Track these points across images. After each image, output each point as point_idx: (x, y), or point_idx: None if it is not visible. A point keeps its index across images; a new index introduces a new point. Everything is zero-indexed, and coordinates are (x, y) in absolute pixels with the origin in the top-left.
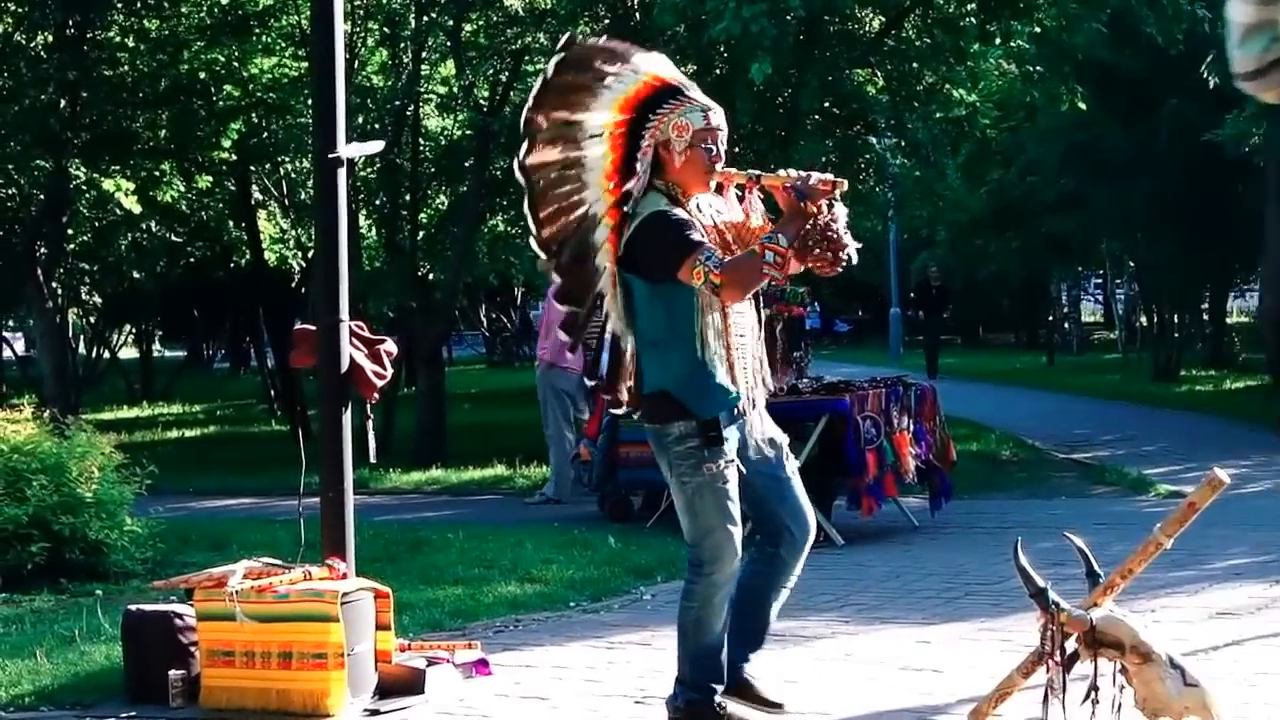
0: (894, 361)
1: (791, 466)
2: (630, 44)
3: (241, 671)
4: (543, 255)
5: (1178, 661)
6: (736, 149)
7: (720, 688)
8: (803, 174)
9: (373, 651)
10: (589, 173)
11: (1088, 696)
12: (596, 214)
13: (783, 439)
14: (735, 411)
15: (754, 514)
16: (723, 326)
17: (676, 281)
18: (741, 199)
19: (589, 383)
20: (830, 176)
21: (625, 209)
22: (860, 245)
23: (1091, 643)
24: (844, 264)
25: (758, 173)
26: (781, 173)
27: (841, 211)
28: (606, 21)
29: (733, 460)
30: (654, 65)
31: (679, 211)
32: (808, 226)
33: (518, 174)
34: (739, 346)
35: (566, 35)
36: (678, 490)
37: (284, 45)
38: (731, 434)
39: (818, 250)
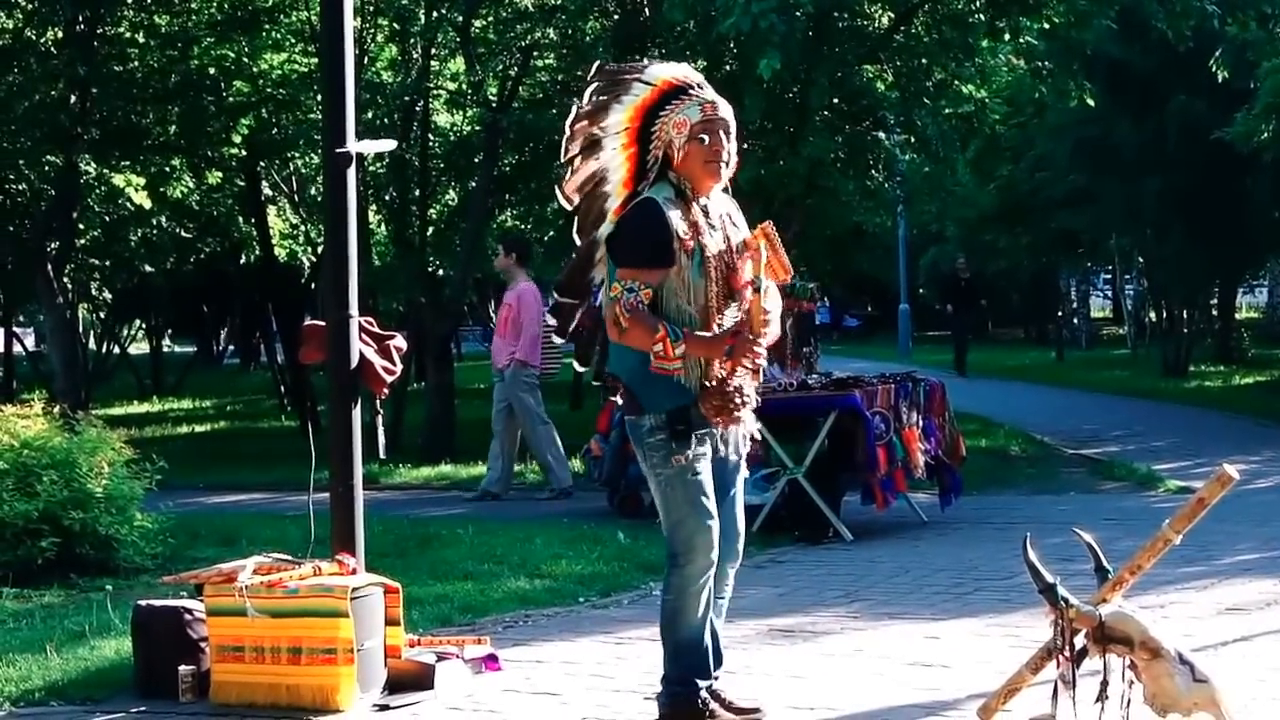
0: (903, 357)
1: (741, 480)
2: (648, 60)
3: (251, 666)
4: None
5: (1187, 657)
6: (745, 144)
7: (704, 682)
8: (754, 345)
9: (382, 647)
10: (610, 183)
11: (1100, 694)
12: (606, 214)
13: (744, 449)
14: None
15: None
16: (702, 324)
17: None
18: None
19: (579, 369)
20: (762, 363)
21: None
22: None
23: (1100, 638)
24: (728, 425)
25: (763, 286)
26: (768, 307)
27: (750, 417)
28: (616, 17)
29: (705, 453)
30: (665, 71)
31: (674, 214)
32: (725, 383)
33: (562, 200)
34: None
35: (596, 63)
36: (653, 482)
37: (294, 41)
38: (702, 430)
39: (713, 410)
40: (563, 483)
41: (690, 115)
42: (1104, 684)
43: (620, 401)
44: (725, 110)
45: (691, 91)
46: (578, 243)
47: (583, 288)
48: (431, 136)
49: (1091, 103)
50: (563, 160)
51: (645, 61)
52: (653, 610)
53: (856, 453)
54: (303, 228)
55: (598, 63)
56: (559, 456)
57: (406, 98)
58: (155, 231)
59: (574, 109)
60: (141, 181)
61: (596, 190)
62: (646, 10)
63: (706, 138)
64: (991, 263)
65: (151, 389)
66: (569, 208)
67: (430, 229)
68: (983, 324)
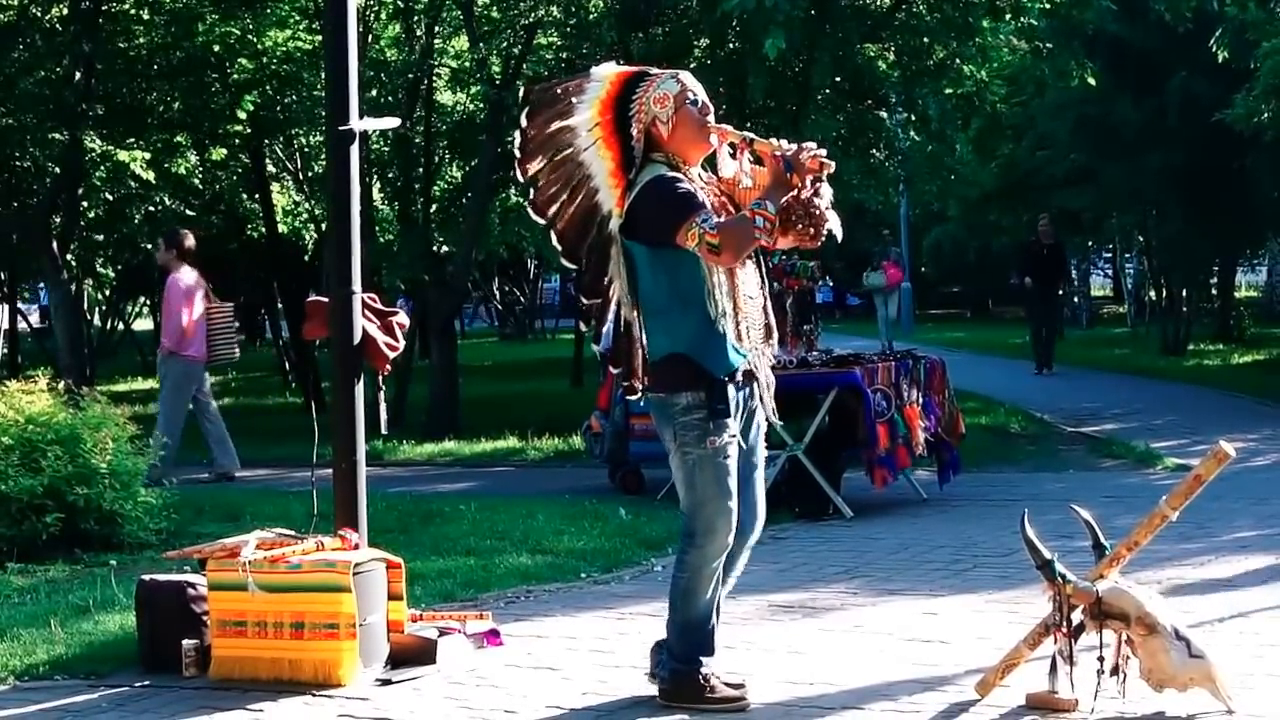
0: (904, 335)
1: (762, 455)
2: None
3: (253, 641)
4: (569, 263)
5: (1183, 633)
6: (748, 124)
7: (707, 660)
8: (793, 146)
9: (385, 622)
10: (595, 178)
11: (1106, 672)
12: (610, 210)
13: (764, 424)
14: (741, 378)
15: None
16: (729, 286)
17: (675, 246)
18: (733, 159)
19: (597, 349)
20: (822, 153)
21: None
22: (841, 224)
23: (1097, 614)
24: (824, 239)
25: (751, 136)
26: (774, 141)
27: (827, 190)
28: None
29: (735, 435)
30: (611, 68)
31: (678, 176)
32: (794, 200)
33: (533, 215)
34: (746, 305)
35: (524, 89)
36: (678, 461)
37: (297, 18)
38: (737, 405)
39: (800, 225)
40: (164, 474)
41: (669, 89)
42: (1101, 659)
43: (643, 383)
44: (692, 78)
45: (653, 72)
46: (558, 244)
47: (605, 290)
48: (435, 114)
49: (1093, 82)
50: (525, 179)
51: (576, 75)
52: (654, 586)
53: (857, 430)
54: (306, 205)
55: (524, 87)
56: (173, 450)
57: (410, 75)
58: (159, 208)
59: (518, 132)
60: (146, 157)
61: (576, 191)
62: None
63: (698, 100)
64: (995, 240)
65: (155, 365)
66: (540, 220)
67: (434, 206)
68: (982, 302)
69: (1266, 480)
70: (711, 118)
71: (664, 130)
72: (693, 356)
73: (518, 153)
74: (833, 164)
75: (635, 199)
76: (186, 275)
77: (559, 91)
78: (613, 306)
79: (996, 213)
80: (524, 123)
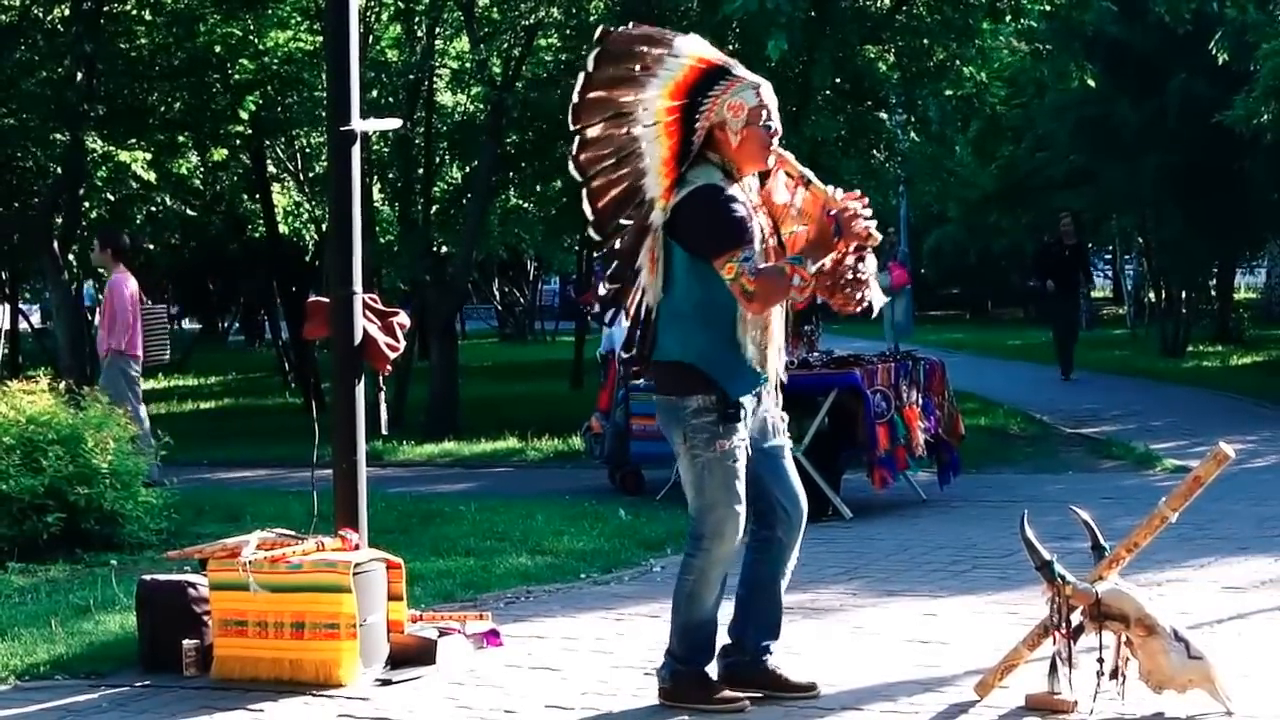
0: (903, 337)
1: (788, 446)
2: (667, 29)
3: (254, 641)
4: (595, 234)
5: (1182, 634)
6: None
7: (708, 663)
8: (849, 206)
9: (385, 622)
10: (646, 160)
11: (1105, 674)
12: (654, 199)
13: (783, 419)
14: (757, 390)
15: (748, 491)
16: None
17: (711, 265)
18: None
19: (623, 355)
20: (872, 225)
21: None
22: (886, 300)
23: (1097, 615)
24: (863, 307)
25: (810, 176)
26: (829, 190)
27: (871, 260)
28: None
29: (744, 440)
30: (696, 47)
31: (734, 191)
32: (838, 264)
33: (573, 171)
34: (773, 325)
35: (601, 28)
36: (687, 463)
37: (299, 19)
38: (748, 412)
39: (847, 291)
40: (153, 473)
41: (746, 99)
42: (1100, 661)
43: (651, 383)
44: (771, 91)
45: (735, 72)
46: (590, 214)
47: (632, 274)
48: (435, 115)
49: (1092, 83)
50: (574, 128)
51: (662, 30)
52: (653, 587)
53: (857, 431)
54: (307, 205)
55: (602, 28)
56: (152, 448)
57: (411, 76)
58: (160, 209)
59: (583, 75)
60: (147, 157)
61: (622, 166)
62: None
63: (770, 124)
64: (995, 241)
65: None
66: (579, 178)
67: (434, 207)
68: (981, 303)
69: (1266, 482)
70: (777, 142)
71: (730, 138)
72: (708, 371)
73: (576, 97)
74: (879, 236)
75: (684, 200)
76: (126, 276)
77: (639, 50)
78: (635, 295)
79: (996, 214)
80: (590, 66)
